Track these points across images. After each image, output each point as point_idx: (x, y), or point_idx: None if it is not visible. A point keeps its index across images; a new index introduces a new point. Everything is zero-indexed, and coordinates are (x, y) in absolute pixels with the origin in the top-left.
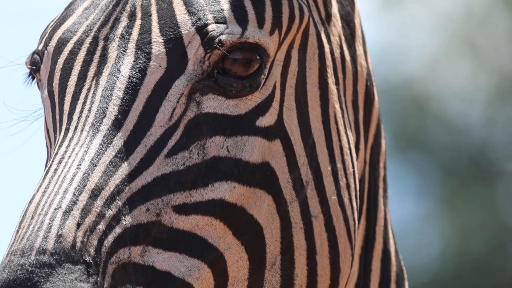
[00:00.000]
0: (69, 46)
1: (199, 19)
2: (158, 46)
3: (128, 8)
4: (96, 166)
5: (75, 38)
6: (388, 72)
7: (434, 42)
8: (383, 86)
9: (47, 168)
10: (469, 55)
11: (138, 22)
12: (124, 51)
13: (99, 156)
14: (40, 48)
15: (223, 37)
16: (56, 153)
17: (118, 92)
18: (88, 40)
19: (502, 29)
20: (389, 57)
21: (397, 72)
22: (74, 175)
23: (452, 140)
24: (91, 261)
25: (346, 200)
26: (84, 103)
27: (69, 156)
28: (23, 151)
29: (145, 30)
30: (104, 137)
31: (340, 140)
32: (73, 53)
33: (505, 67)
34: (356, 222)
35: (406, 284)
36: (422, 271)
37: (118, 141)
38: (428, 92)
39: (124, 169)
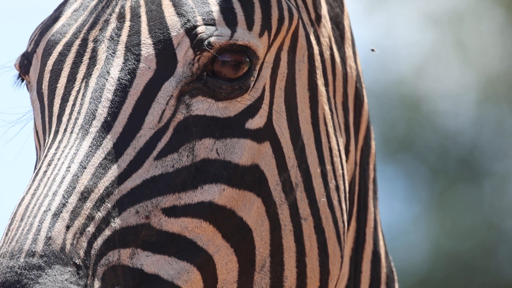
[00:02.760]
0: (59, 48)
1: (188, 20)
2: (147, 48)
3: (117, 10)
4: (85, 168)
5: (64, 40)
6: (376, 73)
7: (422, 42)
8: (371, 88)
9: (36, 170)
10: (458, 56)
11: (127, 24)
12: (113, 53)
13: (88, 158)
14: (29, 50)
15: (212, 39)
16: (46, 155)
17: (108, 94)
18: (78, 42)
19: (491, 29)
20: (377, 58)
21: (385, 73)
22: (64, 177)
23: (441, 141)
24: (80, 264)
25: (335, 202)
26: (74, 105)
27: (59, 158)
28: (14, 152)
29: (134, 32)
30: (93, 139)
31: (329, 142)
32: (63, 55)
33: (493, 68)
34: (346, 224)
35: (397, 285)
36: (411, 272)
37: (108, 143)
38: (417, 93)
39: (113, 171)
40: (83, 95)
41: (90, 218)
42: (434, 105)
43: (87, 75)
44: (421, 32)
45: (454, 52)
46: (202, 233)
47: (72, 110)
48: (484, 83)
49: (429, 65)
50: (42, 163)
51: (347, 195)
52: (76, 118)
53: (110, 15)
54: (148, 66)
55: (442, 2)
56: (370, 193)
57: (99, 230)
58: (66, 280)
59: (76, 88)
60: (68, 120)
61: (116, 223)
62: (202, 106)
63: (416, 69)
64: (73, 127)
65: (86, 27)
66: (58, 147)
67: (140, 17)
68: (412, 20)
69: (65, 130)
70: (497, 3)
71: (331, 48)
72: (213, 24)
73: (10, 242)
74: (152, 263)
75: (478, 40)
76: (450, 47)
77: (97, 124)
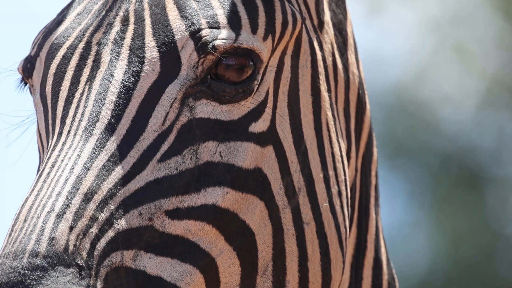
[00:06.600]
0: (62, 51)
1: (193, 24)
2: (151, 50)
3: (121, 13)
4: (89, 170)
5: (68, 43)
6: (376, 77)
7: (423, 47)
8: (371, 93)
9: (39, 172)
10: (458, 61)
11: (131, 26)
12: (117, 55)
13: (92, 160)
14: (32, 53)
15: (216, 42)
16: (49, 157)
17: (111, 97)
18: (81, 45)
19: (490, 34)
20: (377, 63)
21: (385, 79)
22: (67, 178)
23: (441, 145)
24: (83, 265)
25: (337, 207)
26: (77, 107)
27: (62, 160)
28: (16, 155)
29: (139, 35)
30: (97, 141)
31: (332, 147)
32: (66, 58)
33: (493, 72)
34: (348, 229)
35: None
36: (412, 277)
37: (111, 145)
38: (417, 97)
39: (117, 173)
40: (87, 98)
41: (93, 219)
42: (434, 109)
43: (91, 77)
44: (421, 37)
45: (454, 57)
46: (205, 235)
47: (75, 112)
48: (484, 88)
49: (429, 70)
50: (45, 164)
51: (349, 201)
52: (80, 120)
53: (114, 18)
54: (152, 68)
55: (442, 7)
56: (372, 199)
57: (102, 232)
58: (68, 282)
59: (79, 91)
60: (72, 122)
61: (119, 224)
62: (206, 109)
63: (416, 73)
64: (77, 129)
65: (89, 30)
66: (61, 149)
67: (144, 20)
68: (412, 26)
69: (69, 132)
70: (497, 8)
71: (333, 54)
72: (218, 27)
73: (14, 243)
74: (155, 265)
75: (478, 45)
76: (450, 52)
77: (100, 126)
